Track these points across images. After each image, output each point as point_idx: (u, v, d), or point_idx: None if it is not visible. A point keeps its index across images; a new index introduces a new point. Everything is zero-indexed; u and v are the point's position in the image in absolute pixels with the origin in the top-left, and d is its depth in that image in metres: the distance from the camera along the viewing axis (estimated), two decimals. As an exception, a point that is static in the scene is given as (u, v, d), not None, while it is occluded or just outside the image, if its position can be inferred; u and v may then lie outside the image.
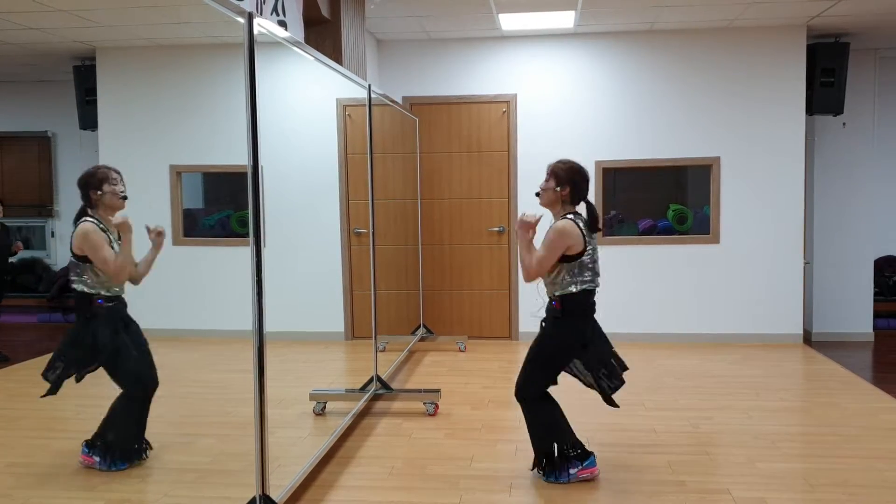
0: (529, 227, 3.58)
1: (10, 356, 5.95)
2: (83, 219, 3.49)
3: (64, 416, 4.04)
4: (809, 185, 7.07)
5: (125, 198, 3.53)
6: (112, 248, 3.49)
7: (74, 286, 3.49)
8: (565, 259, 3.51)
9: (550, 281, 3.60)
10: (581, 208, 3.66)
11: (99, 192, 3.49)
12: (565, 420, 3.67)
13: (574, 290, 3.53)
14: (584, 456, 3.62)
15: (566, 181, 3.59)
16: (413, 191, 6.87)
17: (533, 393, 3.66)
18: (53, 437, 4.09)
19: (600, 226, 3.68)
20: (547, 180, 3.64)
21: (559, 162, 3.66)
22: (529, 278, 3.58)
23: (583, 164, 7.51)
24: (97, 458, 3.59)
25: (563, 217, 3.56)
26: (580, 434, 4.34)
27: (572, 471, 3.57)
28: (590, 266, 3.57)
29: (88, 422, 4.37)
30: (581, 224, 3.54)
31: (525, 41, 6.88)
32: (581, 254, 3.51)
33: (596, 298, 3.64)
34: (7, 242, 6.24)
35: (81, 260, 3.46)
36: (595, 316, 3.64)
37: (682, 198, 7.39)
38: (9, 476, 3.62)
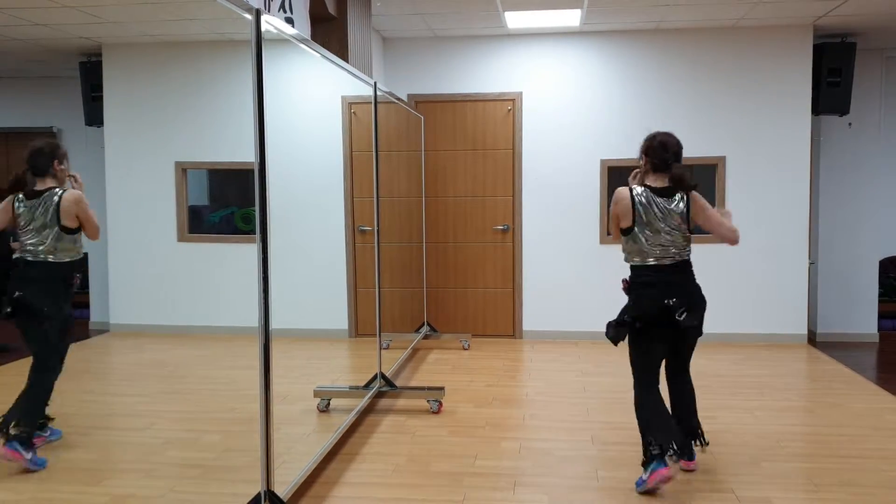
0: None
1: (11, 349, 5.96)
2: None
3: (66, 412, 4.04)
4: (815, 185, 7.05)
5: None
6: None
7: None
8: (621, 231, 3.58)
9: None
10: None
11: (62, 166, 3.67)
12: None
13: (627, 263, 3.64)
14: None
15: (643, 152, 3.60)
16: (418, 189, 6.87)
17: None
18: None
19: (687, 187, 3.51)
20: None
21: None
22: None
23: (587, 162, 7.47)
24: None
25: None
26: (585, 431, 4.34)
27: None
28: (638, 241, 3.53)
29: (91, 417, 4.39)
30: (635, 195, 3.50)
31: (531, 39, 6.88)
32: (629, 228, 3.53)
33: (651, 277, 3.54)
34: (7, 238, 6.25)
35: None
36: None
37: (686, 197, 7.37)
38: (14, 470, 3.63)
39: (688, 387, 3.78)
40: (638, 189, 3.54)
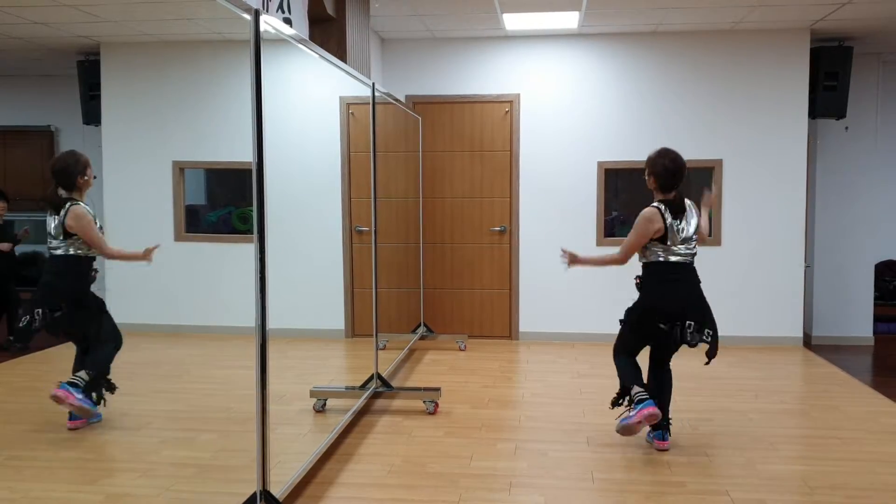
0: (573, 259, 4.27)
1: (11, 348, 5.96)
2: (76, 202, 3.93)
3: (63, 411, 4.03)
4: (811, 188, 7.07)
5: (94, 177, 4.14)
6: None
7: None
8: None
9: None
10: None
11: (84, 177, 3.98)
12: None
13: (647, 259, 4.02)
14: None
15: (649, 172, 3.99)
16: (415, 189, 6.88)
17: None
18: (55, 430, 4.10)
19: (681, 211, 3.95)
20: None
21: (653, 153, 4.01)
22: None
23: (584, 164, 7.51)
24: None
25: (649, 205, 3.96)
26: (581, 433, 4.35)
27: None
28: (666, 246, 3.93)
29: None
30: (662, 210, 3.88)
31: (529, 41, 6.89)
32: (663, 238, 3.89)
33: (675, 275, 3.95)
34: (10, 238, 6.24)
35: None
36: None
37: (683, 200, 7.38)
38: (10, 469, 3.63)
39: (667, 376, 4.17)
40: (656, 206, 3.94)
